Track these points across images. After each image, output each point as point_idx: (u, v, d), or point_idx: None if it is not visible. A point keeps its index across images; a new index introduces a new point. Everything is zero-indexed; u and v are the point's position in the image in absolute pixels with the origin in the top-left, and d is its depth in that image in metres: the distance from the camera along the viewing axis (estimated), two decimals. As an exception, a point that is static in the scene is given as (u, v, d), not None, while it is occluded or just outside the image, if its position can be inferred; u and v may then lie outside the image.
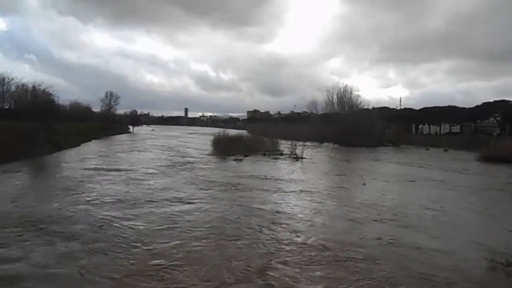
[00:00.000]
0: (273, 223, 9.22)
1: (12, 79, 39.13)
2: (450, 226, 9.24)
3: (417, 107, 63.69)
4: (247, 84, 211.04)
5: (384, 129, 52.99)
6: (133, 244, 7.26)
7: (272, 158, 26.58)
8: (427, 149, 41.86)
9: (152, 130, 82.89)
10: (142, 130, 79.41)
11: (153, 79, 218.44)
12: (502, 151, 27.05)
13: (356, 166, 24.56)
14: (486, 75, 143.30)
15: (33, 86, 42.39)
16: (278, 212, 10.45)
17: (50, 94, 49.94)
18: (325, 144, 47.56)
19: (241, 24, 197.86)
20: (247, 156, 26.47)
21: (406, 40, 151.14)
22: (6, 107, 38.31)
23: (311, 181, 16.82)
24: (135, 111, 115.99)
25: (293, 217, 9.97)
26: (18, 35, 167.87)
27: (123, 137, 52.69)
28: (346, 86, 53.62)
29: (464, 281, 5.86)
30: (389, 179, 17.85)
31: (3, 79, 38.23)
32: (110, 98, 73.46)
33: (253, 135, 43.33)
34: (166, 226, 8.62)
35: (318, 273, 6.15)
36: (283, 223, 9.24)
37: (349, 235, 8.37)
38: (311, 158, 27.23)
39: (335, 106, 52.96)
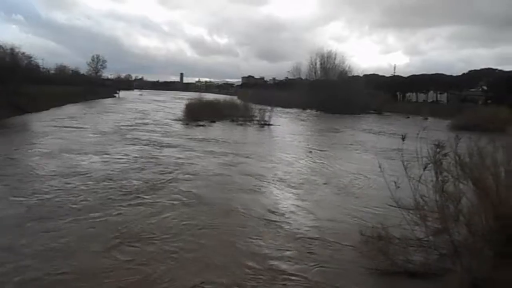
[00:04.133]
0: (163, 172, 10.46)
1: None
2: (349, 195, 9.01)
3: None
4: (243, 49, 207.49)
5: (371, 96, 52.14)
6: (40, 182, 8.99)
7: (238, 124, 26.29)
8: (408, 117, 41.42)
9: (140, 94, 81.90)
10: (131, 94, 78.42)
11: (148, 42, 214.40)
12: (472, 120, 26.72)
13: (319, 133, 24.31)
14: (489, 42, 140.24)
15: (11, 49, 41.57)
16: (180, 163, 11.68)
17: (30, 57, 49.26)
18: (308, 111, 47.11)
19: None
20: (213, 122, 26.12)
21: (408, 2, 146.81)
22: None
23: (253, 145, 16.80)
24: (129, 75, 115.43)
25: (185, 165, 11.41)
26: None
27: (105, 101, 52.01)
28: (329, 52, 52.43)
29: (331, 257, 5.59)
30: (341, 147, 17.62)
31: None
32: (97, 62, 72.69)
33: (241, 101, 42.73)
34: (73, 169, 10.30)
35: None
36: (176, 171, 10.63)
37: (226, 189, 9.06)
38: (279, 125, 26.84)
39: (318, 72, 51.96)
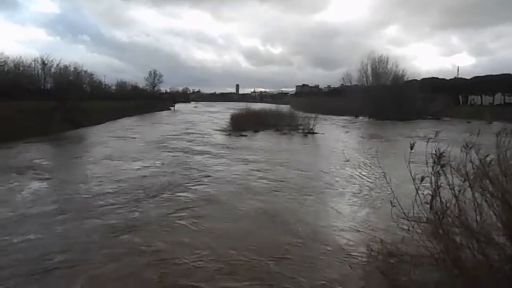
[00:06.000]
0: (189, 176, 11.33)
1: (52, 60, 41.40)
2: (368, 206, 8.35)
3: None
4: (297, 58, 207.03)
5: (429, 101, 49.06)
6: (78, 184, 10.27)
7: (282, 133, 25.95)
8: (469, 122, 38.39)
9: (195, 106, 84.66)
10: (187, 107, 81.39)
11: (204, 56, 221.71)
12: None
13: (362, 141, 23.25)
14: None
15: (74, 68, 45.25)
16: (208, 169, 12.44)
17: (92, 74, 53.16)
18: (360, 118, 45.63)
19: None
20: (257, 131, 26.08)
21: (470, 0, 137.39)
22: (48, 87, 40.59)
23: (289, 153, 16.65)
24: (187, 88, 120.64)
25: (212, 171, 12.11)
26: (70, 17, 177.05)
27: (160, 113, 54.34)
28: (381, 56, 50.27)
29: (329, 268, 5.30)
30: (380, 155, 16.58)
31: (43, 61, 40.62)
32: (154, 77, 76.59)
33: (293, 110, 42.37)
34: (110, 174, 11.49)
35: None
36: (201, 175, 11.39)
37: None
38: (323, 133, 26.07)
39: (369, 78, 50.00)
